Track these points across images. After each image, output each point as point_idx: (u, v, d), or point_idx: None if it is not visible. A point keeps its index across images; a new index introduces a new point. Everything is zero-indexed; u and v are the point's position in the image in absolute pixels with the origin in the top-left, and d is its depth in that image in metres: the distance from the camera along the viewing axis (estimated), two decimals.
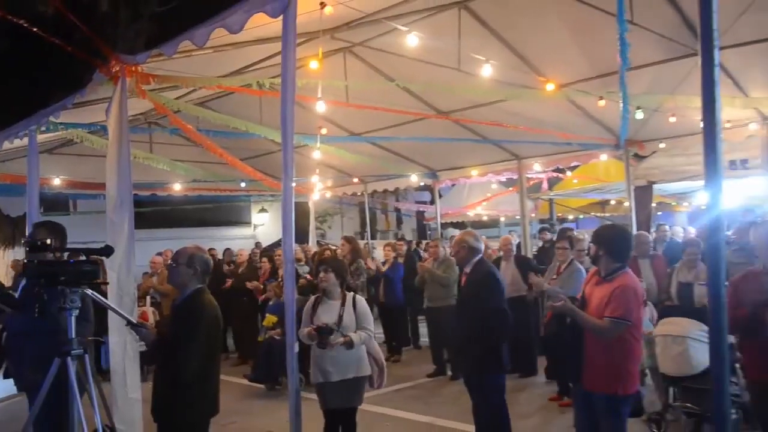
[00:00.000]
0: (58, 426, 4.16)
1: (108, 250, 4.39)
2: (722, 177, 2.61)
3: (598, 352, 4.70)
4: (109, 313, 5.36)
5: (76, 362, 3.97)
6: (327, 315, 5.44)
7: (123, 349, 5.64)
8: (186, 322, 4.26)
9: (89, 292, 4.28)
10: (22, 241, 5.02)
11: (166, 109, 7.74)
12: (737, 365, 6.41)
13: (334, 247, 12.32)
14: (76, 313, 4.00)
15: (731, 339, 6.37)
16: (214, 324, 4.36)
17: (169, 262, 4.79)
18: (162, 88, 7.72)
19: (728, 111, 9.28)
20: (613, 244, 4.89)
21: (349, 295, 5.65)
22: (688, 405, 6.57)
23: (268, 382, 9.29)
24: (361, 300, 5.72)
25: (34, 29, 6.15)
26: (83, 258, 4.08)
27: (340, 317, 5.41)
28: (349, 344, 5.32)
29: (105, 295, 5.54)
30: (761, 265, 4.54)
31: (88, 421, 3.94)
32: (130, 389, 5.63)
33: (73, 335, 3.99)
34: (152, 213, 18.11)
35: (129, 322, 4.58)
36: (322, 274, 5.62)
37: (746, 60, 8.21)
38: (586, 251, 5.63)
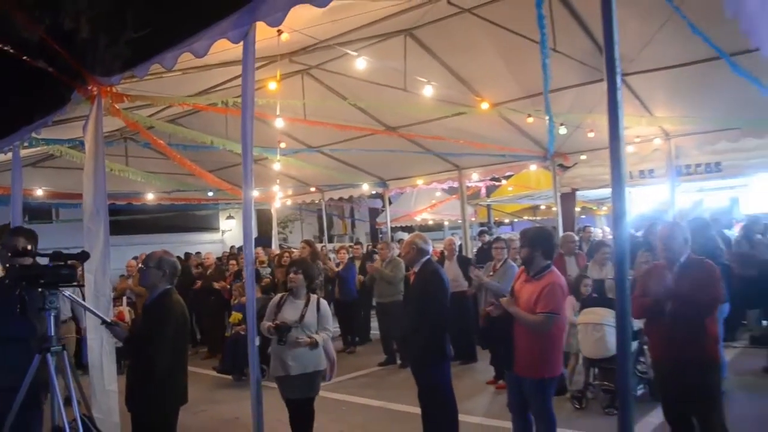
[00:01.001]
0: (29, 420, 4.09)
1: (84, 255, 4.35)
2: (625, 185, 2.71)
3: (527, 342, 4.83)
4: (87, 312, 5.27)
5: (55, 358, 3.91)
6: (290, 313, 5.36)
7: (100, 346, 5.54)
8: (156, 320, 4.27)
9: (67, 293, 4.22)
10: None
11: (139, 126, 7.65)
12: (645, 347, 6.65)
13: (294, 250, 12.28)
14: (54, 313, 3.94)
15: (639, 324, 6.61)
16: (181, 321, 4.38)
17: (140, 265, 4.75)
18: (136, 107, 7.63)
19: (637, 128, 9.57)
20: (544, 245, 5.02)
21: (313, 297, 5.57)
22: (605, 383, 6.78)
23: (234, 374, 9.21)
24: (324, 303, 5.65)
25: (21, 55, 6.01)
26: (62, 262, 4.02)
27: (302, 316, 5.33)
28: (314, 345, 5.27)
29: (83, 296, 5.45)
30: (663, 260, 4.68)
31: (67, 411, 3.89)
32: (107, 382, 5.54)
33: (53, 333, 3.93)
34: (128, 220, 17.80)
35: (104, 321, 4.52)
36: (292, 275, 5.51)
37: (651, 84, 8.47)
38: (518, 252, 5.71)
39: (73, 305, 7.65)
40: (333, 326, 5.80)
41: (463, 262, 9.68)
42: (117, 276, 10.67)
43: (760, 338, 8.76)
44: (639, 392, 6.75)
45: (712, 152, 10.53)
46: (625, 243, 2.66)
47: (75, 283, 4.10)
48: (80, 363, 7.56)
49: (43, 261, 4.07)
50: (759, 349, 8.16)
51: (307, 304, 5.44)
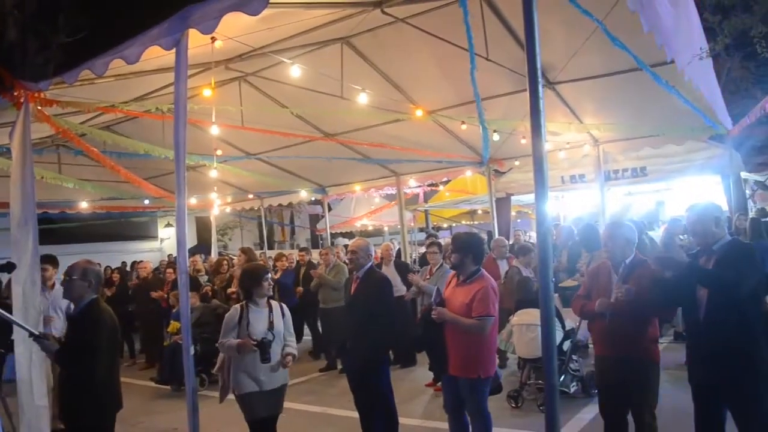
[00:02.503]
0: None
1: (10, 267, 4.20)
2: (548, 190, 2.79)
3: (459, 344, 4.90)
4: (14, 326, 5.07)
5: None
6: (260, 323, 4.94)
7: (29, 360, 5.32)
8: (88, 330, 4.18)
9: None
10: None
11: (69, 133, 7.42)
12: (579, 345, 6.85)
13: (232, 257, 12.13)
14: None
15: (573, 323, 6.79)
16: (112, 329, 4.32)
17: (64, 277, 4.61)
18: (69, 113, 7.41)
19: (567, 134, 9.86)
20: (475, 249, 5.10)
21: (274, 302, 5.22)
22: (539, 382, 6.93)
23: (173, 384, 9.00)
24: (285, 307, 5.29)
25: None
26: None
27: (271, 323, 4.98)
28: (294, 357, 5.01)
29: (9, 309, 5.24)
30: (608, 261, 4.73)
31: None
32: (36, 397, 5.32)
33: None
34: (62, 229, 17.24)
35: (31, 334, 4.36)
36: (266, 283, 5.10)
37: (579, 92, 8.76)
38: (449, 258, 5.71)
39: None
40: None
41: (401, 267, 9.73)
42: None
43: (683, 334, 9.12)
44: (572, 389, 6.93)
45: (637, 158, 10.93)
46: (548, 246, 2.74)
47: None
48: None
49: None
50: (682, 344, 8.50)
51: (271, 311, 5.09)
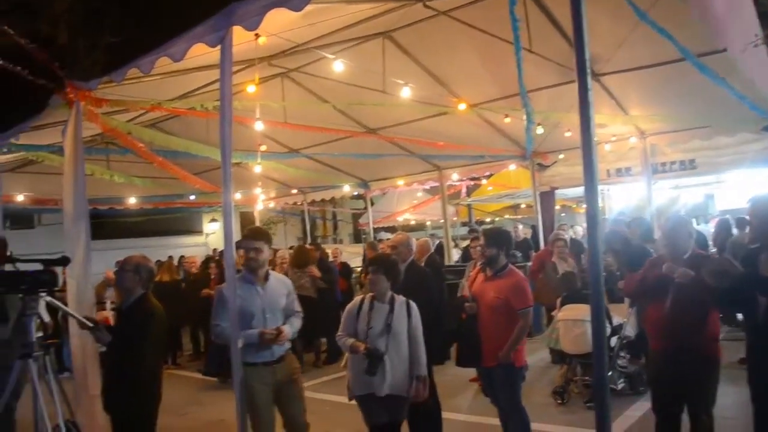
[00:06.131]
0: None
1: (65, 261, 4.32)
2: (598, 184, 2.73)
3: (494, 334, 4.91)
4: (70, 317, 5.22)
5: (37, 363, 3.88)
6: (376, 322, 4.49)
7: (83, 351, 5.49)
8: (138, 324, 4.33)
9: (48, 299, 4.18)
10: None
11: (117, 130, 7.60)
12: (625, 342, 6.73)
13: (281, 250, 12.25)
14: (36, 319, 3.92)
15: (620, 320, 6.67)
16: (161, 324, 4.48)
17: (117, 268, 4.75)
18: (116, 111, 7.57)
19: (613, 127, 9.67)
20: (507, 244, 5.15)
21: (400, 298, 4.61)
22: (586, 378, 6.84)
23: (219, 375, 9.16)
24: (415, 307, 4.63)
25: None
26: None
27: (388, 326, 4.46)
28: (421, 385, 4.51)
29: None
30: (667, 255, 4.56)
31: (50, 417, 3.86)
32: (90, 387, 5.48)
33: (33, 339, 3.90)
34: (110, 224, 17.70)
35: (86, 326, 4.50)
36: (370, 276, 4.63)
37: (625, 84, 8.56)
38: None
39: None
40: None
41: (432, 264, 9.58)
42: (98, 281, 10.56)
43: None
44: (620, 386, 6.81)
45: (685, 150, 10.67)
46: (599, 241, 2.69)
47: (56, 289, 4.08)
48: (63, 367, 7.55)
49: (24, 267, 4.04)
50: (734, 342, 8.26)
51: (392, 310, 4.54)
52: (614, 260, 7.06)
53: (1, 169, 9.71)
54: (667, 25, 6.00)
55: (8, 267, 4.09)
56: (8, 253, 4.23)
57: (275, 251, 11.52)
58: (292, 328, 4.75)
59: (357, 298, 4.77)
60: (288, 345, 4.76)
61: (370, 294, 4.65)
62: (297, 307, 4.96)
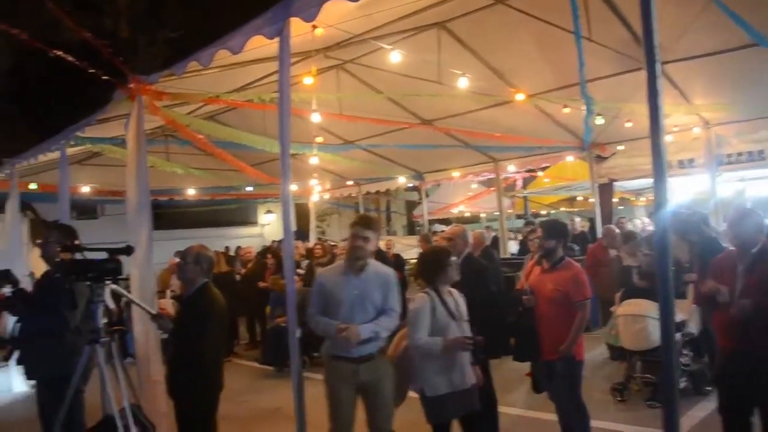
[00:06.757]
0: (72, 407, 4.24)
1: (129, 250, 4.45)
2: (666, 175, 2.63)
3: (552, 327, 4.83)
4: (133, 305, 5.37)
5: (104, 349, 4.02)
6: (445, 316, 4.35)
7: (146, 338, 5.63)
8: (200, 313, 4.39)
9: (113, 287, 4.32)
10: (44, 242, 5.08)
11: (176, 123, 7.76)
12: (687, 339, 6.52)
13: (332, 244, 12.33)
14: (102, 305, 4.05)
15: (683, 316, 6.45)
16: (221, 313, 4.53)
17: (178, 260, 4.83)
18: (176, 104, 7.73)
19: (676, 117, 9.35)
20: (565, 236, 5.10)
21: (453, 290, 4.56)
22: (647, 375, 6.65)
23: (276, 365, 9.29)
24: (457, 293, 4.56)
25: (66, 56, 6.11)
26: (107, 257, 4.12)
27: (452, 314, 4.39)
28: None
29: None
30: (734, 249, 4.35)
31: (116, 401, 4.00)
32: (153, 373, 5.62)
33: (100, 325, 4.03)
34: (169, 215, 18.12)
35: (150, 314, 4.63)
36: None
37: (689, 72, 8.26)
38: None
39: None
40: None
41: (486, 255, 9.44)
42: (158, 270, 10.83)
43: None
44: (681, 385, 6.58)
45: (754, 140, 10.25)
46: (666, 234, 2.59)
47: (121, 277, 4.20)
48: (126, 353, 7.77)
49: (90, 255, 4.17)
50: None
51: (456, 301, 4.51)
52: (689, 251, 6.73)
53: (68, 161, 10.04)
54: (737, 9, 5.76)
55: (77, 256, 4.21)
56: (77, 243, 4.36)
57: (333, 245, 11.64)
58: (377, 326, 4.35)
59: (423, 299, 4.41)
60: (378, 345, 4.44)
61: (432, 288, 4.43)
62: (393, 304, 4.50)
